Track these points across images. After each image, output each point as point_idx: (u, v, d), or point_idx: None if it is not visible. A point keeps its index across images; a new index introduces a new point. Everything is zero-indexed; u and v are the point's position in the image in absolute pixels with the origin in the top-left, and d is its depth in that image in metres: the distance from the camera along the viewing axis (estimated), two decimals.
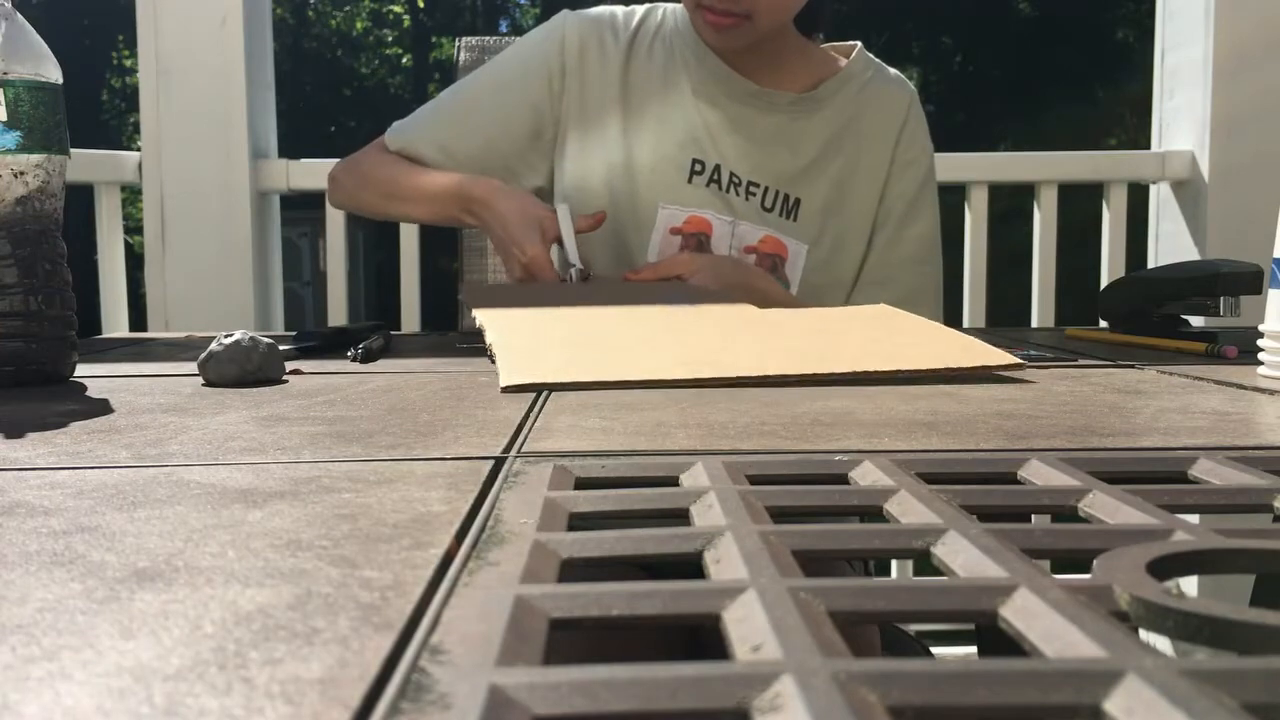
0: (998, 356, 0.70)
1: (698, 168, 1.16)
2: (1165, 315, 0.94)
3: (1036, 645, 0.24)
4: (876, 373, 0.67)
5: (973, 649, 1.71)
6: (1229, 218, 1.79)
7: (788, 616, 0.24)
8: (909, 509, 0.35)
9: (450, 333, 1.35)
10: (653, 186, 1.16)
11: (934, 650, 1.33)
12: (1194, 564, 0.29)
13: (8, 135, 0.68)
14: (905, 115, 1.22)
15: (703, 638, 0.92)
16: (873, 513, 0.37)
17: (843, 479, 0.41)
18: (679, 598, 0.26)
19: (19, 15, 0.69)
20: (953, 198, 1.96)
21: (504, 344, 0.75)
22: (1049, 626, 0.24)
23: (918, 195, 1.21)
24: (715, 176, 1.16)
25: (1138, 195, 1.91)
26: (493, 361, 0.75)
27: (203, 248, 1.77)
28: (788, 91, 1.19)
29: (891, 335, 0.80)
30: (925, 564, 0.32)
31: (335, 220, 1.84)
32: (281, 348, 0.74)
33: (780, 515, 0.35)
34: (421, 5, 14.24)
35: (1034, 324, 1.89)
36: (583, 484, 0.40)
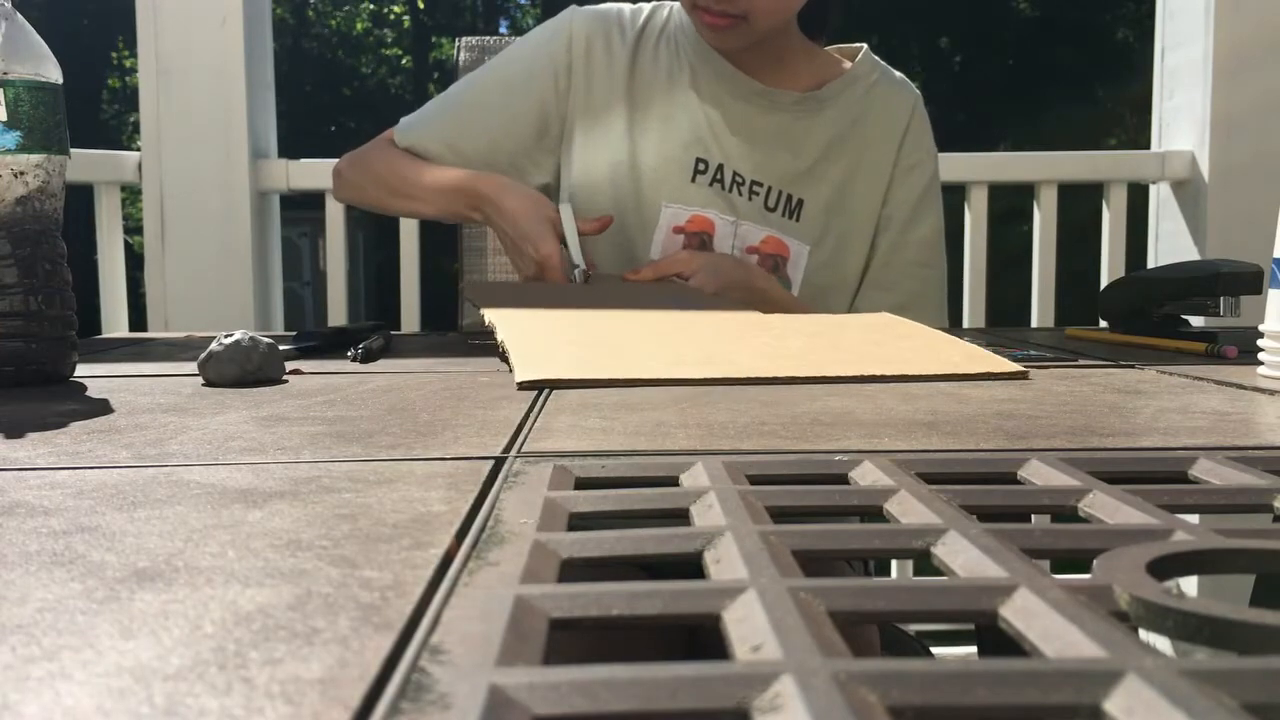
0: (999, 364, 0.70)
1: (701, 167, 1.16)
2: (1165, 315, 0.94)
3: (1036, 645, 0.24)
4: (878, 376, 0.67)
5: (973, 649, 1.71)
6: (1229, 218, 1.79)
7: (788, 616, 0.24)
8: (909, 509, 0.35)
9: (450, 333, 1.35)
10: (656, 185, 1.16)
11: (934, 650, 1.33)
12: (1194, 564, 0.29)
13: (8, 135, 0.68)
14: (909, 118, 1.22)
15: (702, 638, 0.92)
16: (873, 513, 0.37)
17: (843, 479, 0.41)
18: (679, 598, 0.26)
19: (19, 15, 0.69)
20: (953, 198, 1.96)
21: (517, 342, 0.75)
22: (1049, 626, 0.24)
23: (921, 199, 1.21)
24: (719, 176, 1.16)
25: (1138, 195, 1.91)
26: (504, 359, 0.76)
27: (203, 248, 1.77)
28: (791, 91, 1.19)
29: (894, 341, 0.80)
30: (925, 564, 0.32)
31: (335, 220, 1.84)
32: (281, 348, 0.74)
33: (780, 515, 0.35)
34: (421, 5, 14.24)
35: (1034, 324, 1.89)
36: (583, 484, 0.40)
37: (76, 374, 0.74)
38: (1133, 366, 0.76)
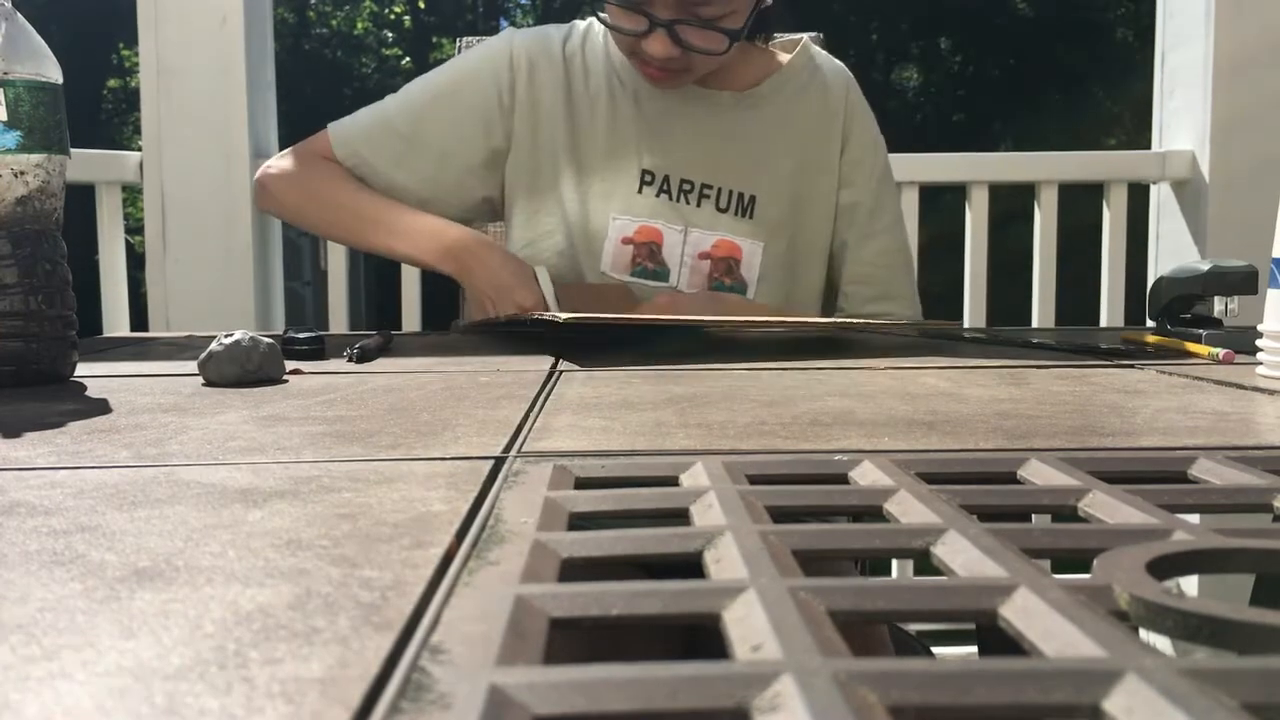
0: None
1: (647, 178, 1.18)
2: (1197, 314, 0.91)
3: (1036, 645, 0.24)
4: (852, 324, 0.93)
5: (973, 649, 1.71)
6: (1229, 218, 1.79)
7: (788, 616, 0.24)
8: (909, 509, 0.35)
9: (451, 333, 1.35)
10: (604, 198, 1.18)
11: (934, 650, 1.33)
12: (1194, 564, 0.29)
13: (8, 135, 0.68)
14: (844, 103, 1.24)
15: (701, 638, 0.92)
16: (873, 513, 0.37)
17: (843, 479, 0.41)
18: (679, 598, 0.26)
19: (19, 15, 0.69)
20: (953, 198, 1.96)
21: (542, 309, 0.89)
22: (1049, 626, 0.24)
23: (879, 187, 1.24)
24: (665, 186, 1.18)
25: (1138, 195, 1.91)
26: (527, 323, 0.87)
27: (203, 247, 1.77)
28: (730, 90, 1.21)
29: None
30: (925, 564, 0.32)
31: None
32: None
33: (780, 515, 0.35)
34: (422, 5, 14.24)
35: (1034, 324, 1.89)
36: (583, 484, 0.40)
37: (76, 374, 0.74)
38: (1133, 366, 0.76)
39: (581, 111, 1.20)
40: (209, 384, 0.70)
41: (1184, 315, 0.91)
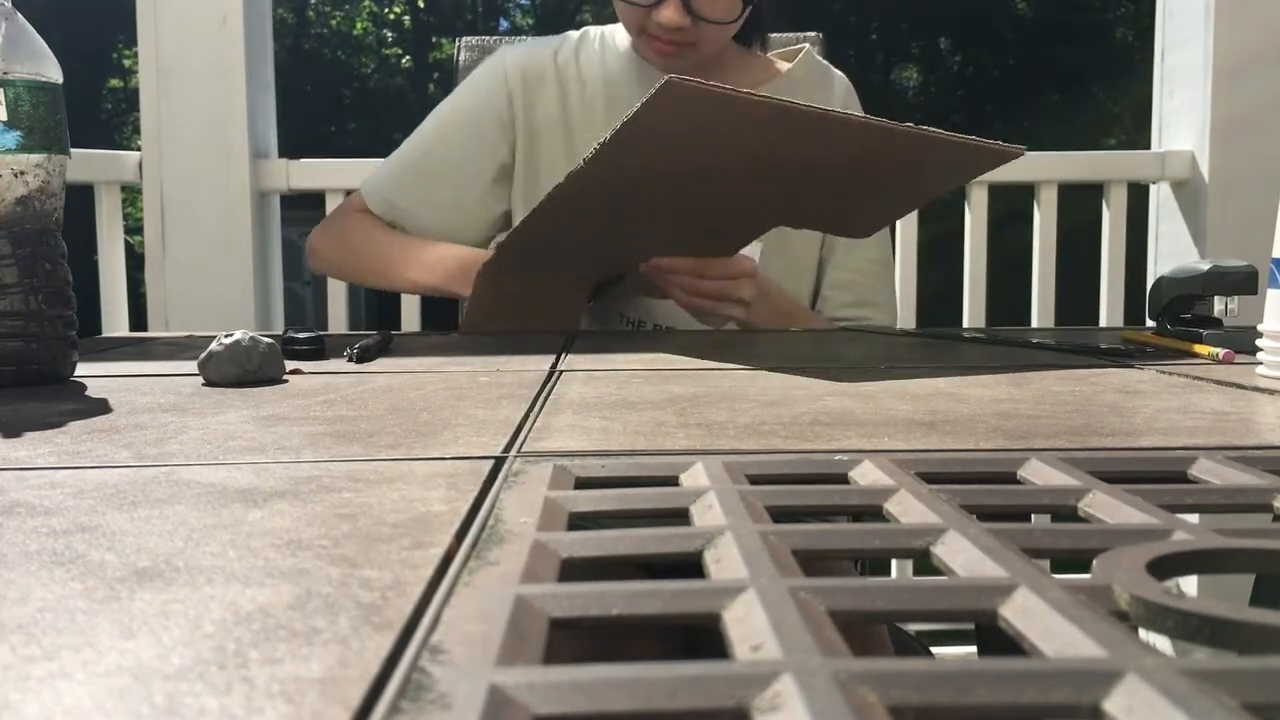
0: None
1: None
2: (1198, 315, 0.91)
3: (1036, 645, 0.24)
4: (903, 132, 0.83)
5: (973, 649, 1.71)
6: (1229, 218, 1.79)
7: (788, 616, 0.24)
8: (909, 509, 0.35)
9: (451, 333, 1.35)
10: None
11: (934, 650, 1.33)
12: (1194, 564, 0.29)
13: (8, 135, 0.68)
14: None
15: (700, 638, 0.92)
16: (873, 513, 0.37)
17: (843, 479, 0.41)
18: (679, 597, 0.26)
19: (19, 15, 0.69)
20: (953, 198, 1.96)
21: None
22: (1049, 626, 0.24)
23: None
24: None
25: (1137, 195, 1.91)
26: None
27: (203, 248, 1.77)
28: None
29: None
30: (925, 564, 0.32)
31: None
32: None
33: (780, 515, 0.35)
34: (422, 5, 14.24)
35: (1034, 324, 1.89)
36: (583, 484, 0.40)
37: (76, 374, 0.74)
38: (1132, 366, 0.76)
39: (578, 121, 1.22)
40: (209, 384, 0.70)
41: (1184, 315, 0.91)
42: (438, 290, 1.21)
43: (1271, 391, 0.63)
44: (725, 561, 0.29)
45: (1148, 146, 1.98)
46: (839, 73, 1.29)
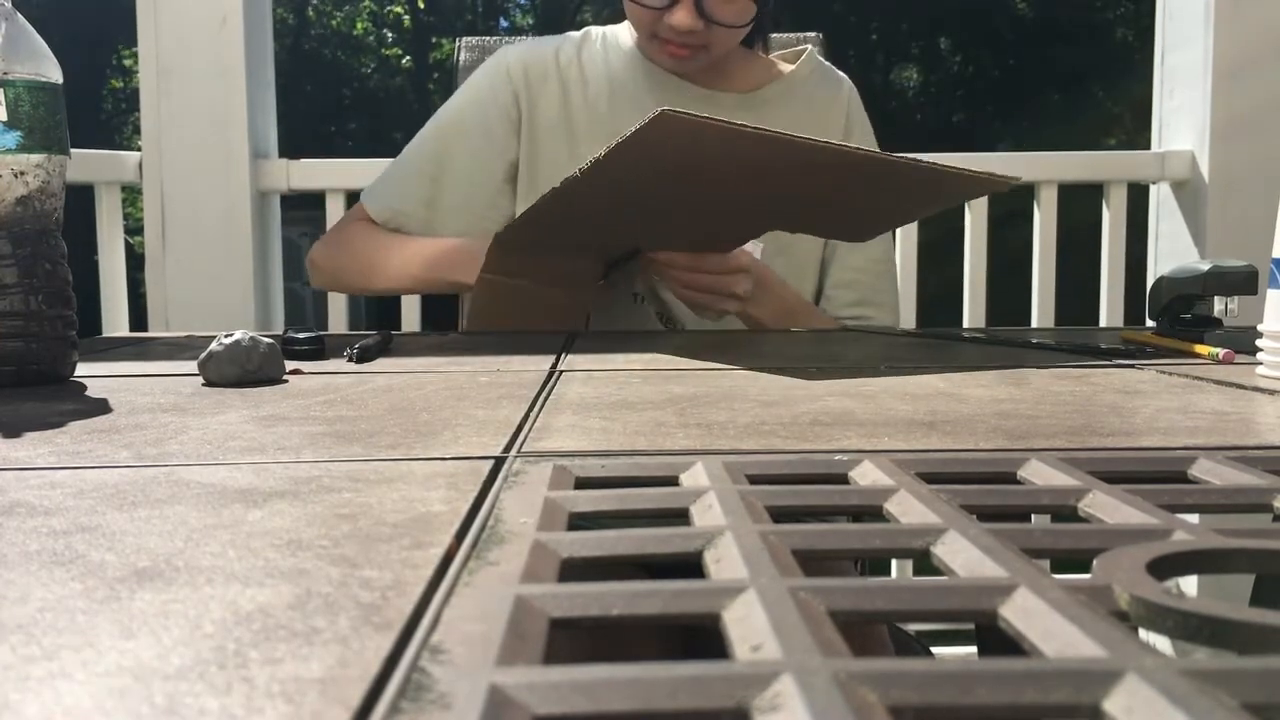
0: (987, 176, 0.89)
1: None
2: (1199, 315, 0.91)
3: (1036, 645, 0.24)
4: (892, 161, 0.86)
5: (973, 649, 1.71)
6: (1229, 218, 1.79)
7: (788, 616, 0.24)
8: (909, 509, 0.35)
9: (450, 333, 1.35)
10: None
11: (934, 650, 1.33)
12: (1194, 564, 0.29)
13: (8, 135, 0.68)
14: (846, 113, 1.26)
15: (700, 638, 0.92)
16: (873, 513, 0.37)
17: (843, 479, 0.41)
18: (679, 598, 0.26)
19: (19, 15, 0.69)
20: None
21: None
22: (1049, 626, 0.24)
23: None
24: None
25: (1137, 195, 1.91)
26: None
27: (203, 248, 1.77)
28: (733, 92, 1.22)
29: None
30: (925, 564, 0.32)
31: (336, 220, 1.84)
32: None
33: (780, 515, 0.35)
34: (422, 5, 14.24)
35: (1034, 324, 1.89)
36: (583, 484, 0.40)
37: (76, 374, 0.74)
38: (1133, 366, 0.76)
39: (580, 120, 1.21)
40: (209, 384, 0.70)
41: (1184, 315, 0.91)
42: (442, 280, 1.20)
43: (1271, 391, 0.63)
44: (725, 561, 0.29)
45: (1148, 146, 1.98)
46: (843, 75, 1.30)
